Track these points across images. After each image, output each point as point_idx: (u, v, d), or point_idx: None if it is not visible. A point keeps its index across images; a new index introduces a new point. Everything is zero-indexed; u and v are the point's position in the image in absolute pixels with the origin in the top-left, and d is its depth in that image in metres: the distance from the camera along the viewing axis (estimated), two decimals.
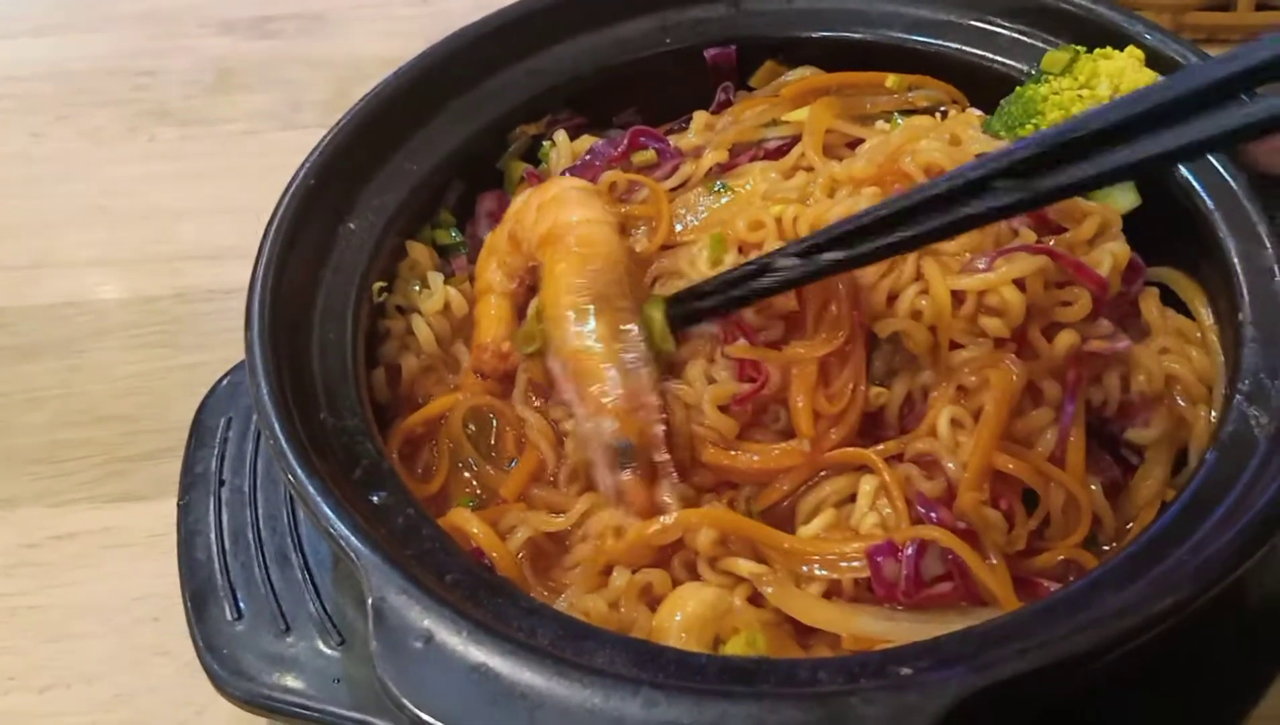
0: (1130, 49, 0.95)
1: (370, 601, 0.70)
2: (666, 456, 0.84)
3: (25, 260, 1.36)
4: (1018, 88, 0.97)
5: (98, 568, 1.07)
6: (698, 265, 0.91)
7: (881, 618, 0.78)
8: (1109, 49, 0.96)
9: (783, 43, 1.11)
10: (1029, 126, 0.92)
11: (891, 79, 1.06)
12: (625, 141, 1.06)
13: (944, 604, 0.79)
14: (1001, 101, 0.98)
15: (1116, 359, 0.86)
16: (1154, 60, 0.96)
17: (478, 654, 0.67)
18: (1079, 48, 0.96)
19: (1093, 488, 0.85)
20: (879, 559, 0.79)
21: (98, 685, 0.99)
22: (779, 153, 1.03)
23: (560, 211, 0.94)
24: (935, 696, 0.63)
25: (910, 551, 0.79)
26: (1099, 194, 0.93)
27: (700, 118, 1.09)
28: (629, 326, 0.88)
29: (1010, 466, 0.81)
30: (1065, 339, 0.83)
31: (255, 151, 1.49)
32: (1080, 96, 0.92)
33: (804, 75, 1.09)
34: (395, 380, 0.92)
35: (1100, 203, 0.91)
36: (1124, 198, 0.94)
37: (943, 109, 1.04)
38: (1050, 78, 0.95)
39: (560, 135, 1.10)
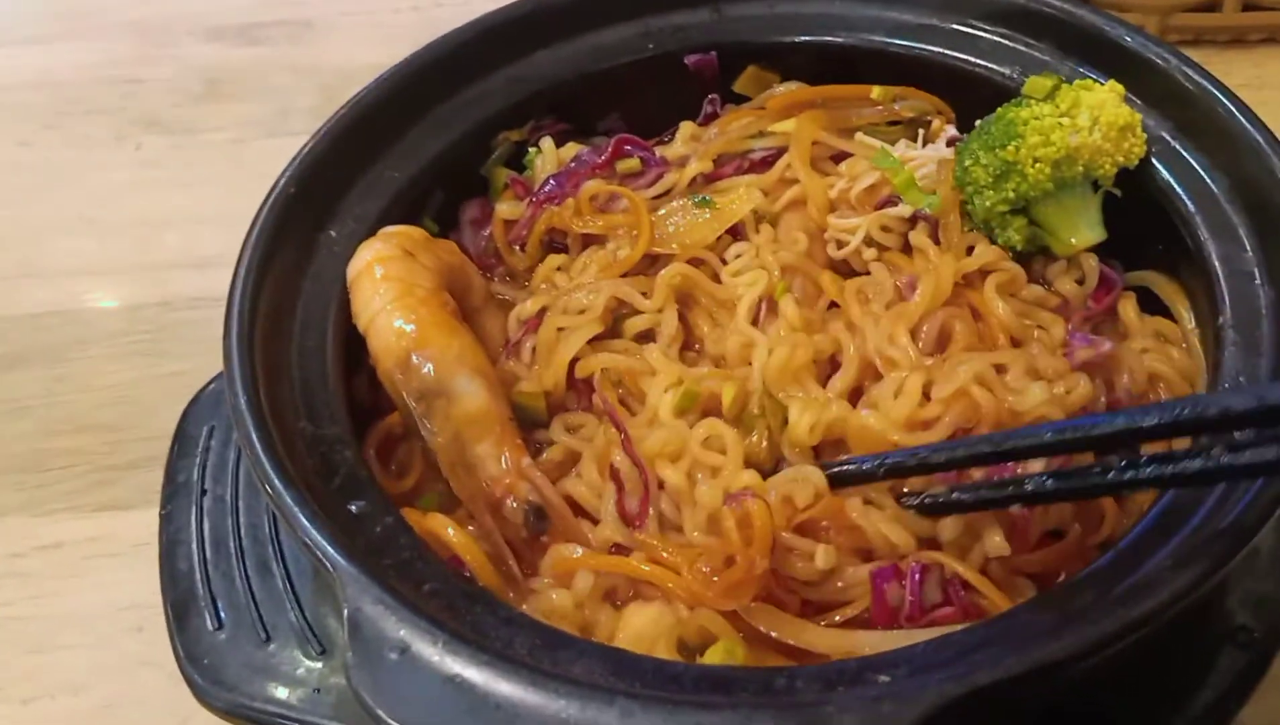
0: (1111, 83, 0.95)
1: (346, 612, 0.70)
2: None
3: (11, 269, 1.36)
4: (999, 108, 0.97)
5: (83, 578, 1.07)
6: (660, 411, 0.88)
7: (871, 632, 0.78)
8: (1090, 80, 0.96)
9: (765, 48, 1.10)
10: (1009, 148, 0.92)
11: (876, 90, 1.05)
12: (609, 149, 1.06)
13: (945, 624, 0.78)
14: (979, 121, 0.98)
15: (1104, 360, 0.86)
16: (1134, 63, 0.97)
17: (453, 665, 0.67)
18: (1060, 76, 0.97)
19: None
20: (882, 583, 0.79)
21: (82, 696, 1.00)
22: (764, 164, 1.03)
23: (361, 316, 0.92)
24: (911, 704, 0.63)
25: (916, 573, 0.79)
26: (1068, 224, 0.94)
27: (686, 128, 1.09)
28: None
29: None
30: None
31: (243, 160, 1.49)
32: (1061, 124, 0.92)
33: (790, 89, 1.09)
34: (376, 384, 0.91)
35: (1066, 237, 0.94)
36: (1091, 231, 0.95)
37: (927, 119, 1.04)
38: (1032, 102, 0.95)
39: (546, 143, 1.09)
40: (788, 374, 0.87)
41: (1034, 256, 0.95)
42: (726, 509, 0.80)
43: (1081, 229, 0.94)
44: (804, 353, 0.88)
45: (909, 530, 0.80)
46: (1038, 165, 0.92)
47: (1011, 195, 0.92)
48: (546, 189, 1.05)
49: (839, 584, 0.81)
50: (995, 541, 0.80)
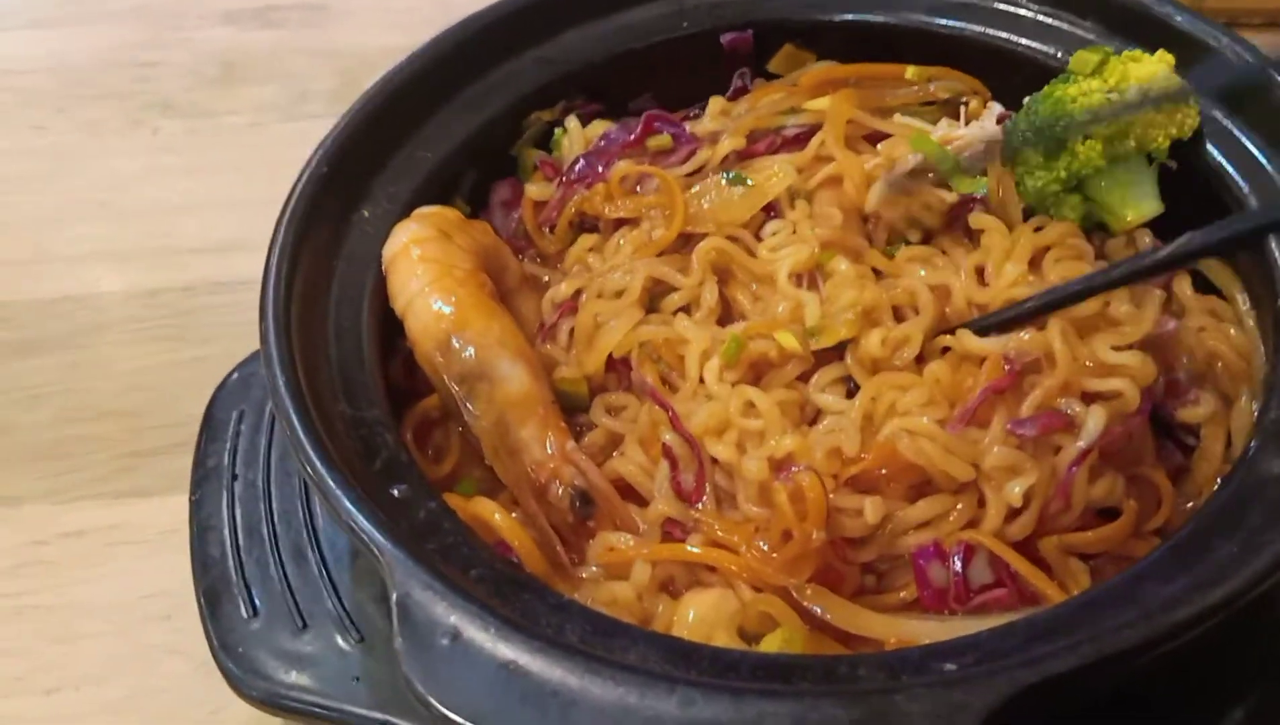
0: (1160, 53, 0.93)
1: (394, 597, 0.68)
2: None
3: (26, 254, 1.34)
4: (1045, 87, 0.95)
5: (106, 565, 1.05)
6: (707, 376, 0.86)
7: (928, 619, 0.77)
8: (1138, 51, 0.94)
9: (802, 26, 1.08)
10: (1058, 128, 0.90)
11: (911, 70, 1.04)
12: (639, 127, 1.04)
13: (1000, 609, 0.77)
14: (1026, 100, 0.96)
15: (1165, 339, 0.84)
16: (1183, 42, 0.95)
17: (506, 651, 0.65)
18: (1108, 49, 0.95)
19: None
20: (923, 562, 0.78)
21: (107, 686, 0.97)
22: (797, 141, 1.01)
23: (398, 298, 0.91)
24: (983, 693, 0.61)
25: (958, 556, 0.77)
26: (1124, 199, 0.92)
27: (716, 103, 1.07)
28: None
29: None
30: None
31: (259, 143, 1.47)
32: (1109, 99, 0.90)
33: (822, 67, 1.07)
34: (412, 366, 0.90)
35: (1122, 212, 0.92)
36: (1147, 205, 0.93)
37: (964, 100, 1.02)
38: (1079, 78, 0.93)
39: (572, 122, 1.07)
40: (859, 316, 0.85)
41: (1090, 233, 0.93)
42: (779, 483, 0.78)
43: (1138, 203, 0.92)
44: (873, 294, 0.86)
45: (963, 458, 0.79)
46: (1089, 142, 0.90)
47: (1064, 174, 0.90)
48: (577, 169, 1.03)
49: (890, 535, 0.80)
50: (1014, 493, 0.78)
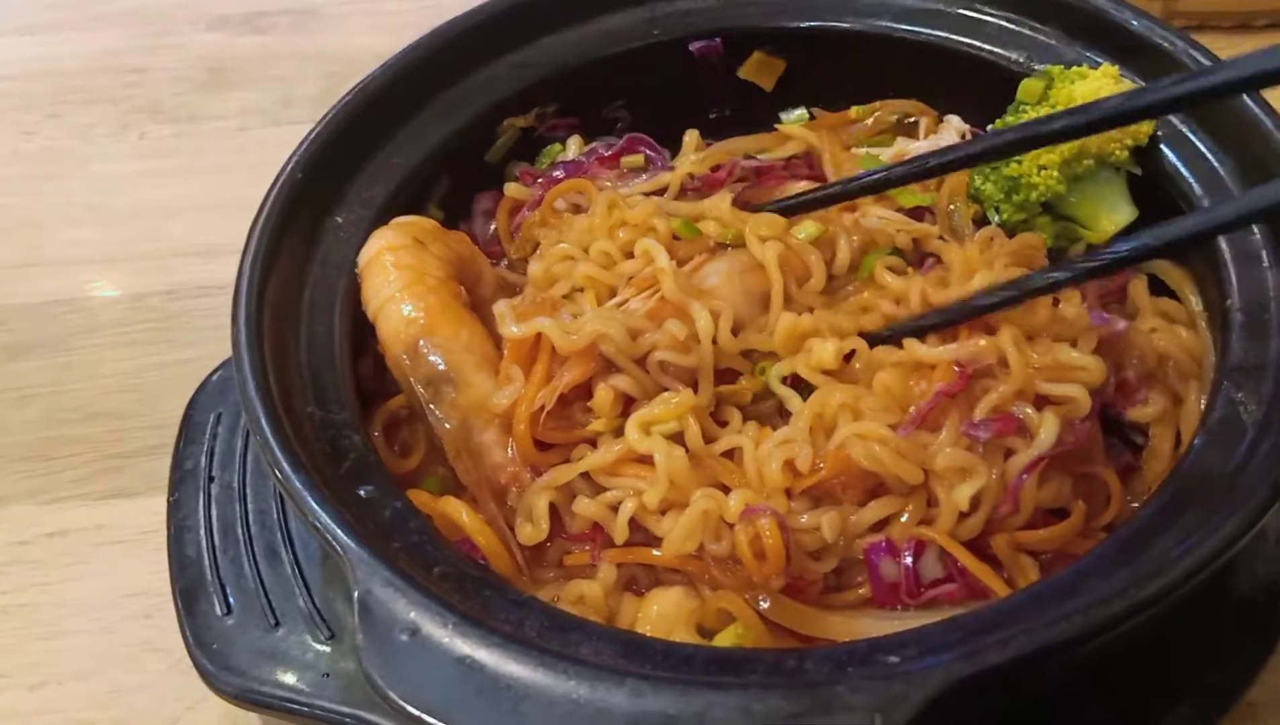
0: (1104, 67, 0.95)
1: (356, 594, 0.70)
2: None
3: (16, 258, 1.36)
4: (997, 121, 0.97)
5: (89, 565, 1.07)
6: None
7: (884, 618, 0.79)
8: (1083, 68, 0.96)
9: (771, 34, 1.10)
10: (1013, 164, 0.92)
11: (854, 110, 1.08)
12: (621, 143, 1.06)
13: (951, 603, 0.79)
14: (987, 128, 0.99)
15: (1115, 340, 0.86)
16: (1140, 47, 0.96)
17: (463, 646, 0.67)
18: (1053, 71, 0.97)
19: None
20: (875, 558, 0.79)
21: (90, 682, 1.00)
22: (758, 173, 1.03)
23: (371, 303, 0.93)
24: (921, 684, 0.63)
25: (909, 552, 0.79)
26: (1096, 211, 0.94)
27: (692, 138, 1.09)
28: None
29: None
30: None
31: (247, 148, 1.49)
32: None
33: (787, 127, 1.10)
34: (382, 368, 0.92)
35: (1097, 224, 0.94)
36: (1120, 212, 0.95)
37: (910, 119, 1.05)
38: (1028, 108, 0.95)
39: (573, 140, 1.10)
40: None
41: (1067, 248, 0.96)
42: (740, 527, 0.80)
43: (1111, 212, 0.94)
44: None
45: (914, 461, 0.80)
46: (1044, 172, 0.92)
47: (1025, 205, 0.93)
48: (555, 176, 1.05)
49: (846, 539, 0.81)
50: (963, 497, 0.80)
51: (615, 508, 0.83)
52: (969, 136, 1.04)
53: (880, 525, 0.81)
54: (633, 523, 0.83)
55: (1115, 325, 0.86)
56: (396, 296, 0.90)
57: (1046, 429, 0.80)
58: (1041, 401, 0.82)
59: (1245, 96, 0.90)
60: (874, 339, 0.86)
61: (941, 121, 1.08)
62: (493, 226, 1.07)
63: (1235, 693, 0.81)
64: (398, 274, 0.91)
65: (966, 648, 0.65)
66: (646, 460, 0.83)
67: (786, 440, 0.82)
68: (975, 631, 0.67)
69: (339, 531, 0.73)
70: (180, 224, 1.38)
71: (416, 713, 0.65)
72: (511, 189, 1.06)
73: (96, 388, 1.22)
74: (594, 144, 1.09)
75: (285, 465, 0.76)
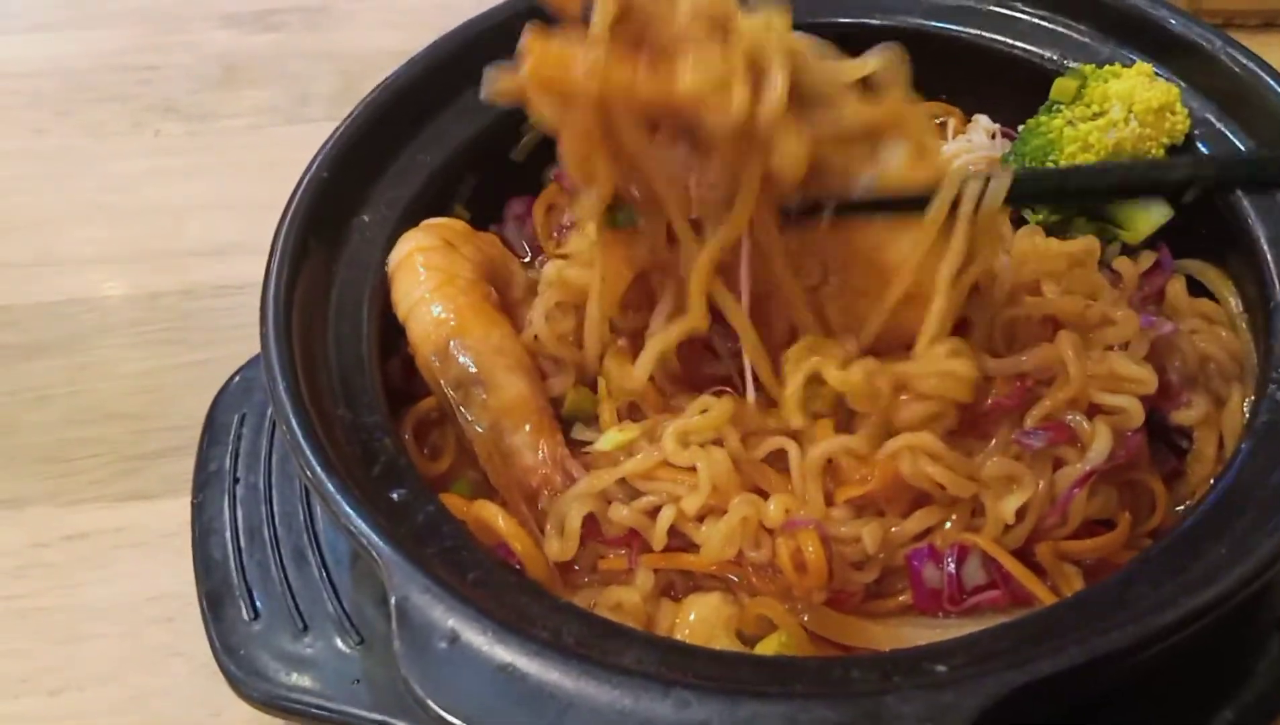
0: (1138, 65, 0.94)
1: (393, 601, 0.69)
2: None
3: (29, 257, 1.35)
4: (1030, 120, 0.96)
5: (109, 568, 1.06)
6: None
7: (926, 626, 0.78)
8: (1117, 66, 0.95)
9: (798, 29, 1.09)
10: (1049, 163, 0.91)
11: None
12: None
13: (994, 610, 0.78)
14: (1020, 128, 0.98)
15: (1160, 343, 0.85)
16: (1177, 45, 0.95)
17: (504, 654, 0.66)
18: (1086, 70, 0.96)
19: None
20: (917, 564, 0.78)
21: (110, 688, 0.98)
22: None
23: (401, 305, 0.92)
24: (972, 694, 0.62)
25: (951, 557, 0.78)
26: (1135, 209, 0.92)
27: None
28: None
29: None
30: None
31: (260, 146, 1.47)
32: (1096, 125, 0.91)
33: None
34: (410, 370, 0.91)
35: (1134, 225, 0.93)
36: (1158, 211, 0.94)
37: (938, 120, 1.04)
38: (1062, 107, 0.94)
39: None
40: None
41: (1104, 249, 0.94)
42: (781, 539, 0.79)
43: (1147, 213, 0.93)
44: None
45: (963, 473, 0.79)
46: None
47: (1062, 207, 0.92)
48: None
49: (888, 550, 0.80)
50: (1008, 510, 0.79)
51: (652, 513, 0.82)
52: (998, 137, 1.03)
53: (923, 534, 0.80)
54: (670, 528, 0.81)
55: (1163, 327, 0.85)
56: (427, 298, 0.89)
57: (1100, 442, 0.79)
58: (1093, 410, 0.80)
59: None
60: None
61: (969, 121, 1.07)
62: (528, 229, 1.06)
63: (1278, 702, 0.80)
64: (428, 275, 0.90)
65: (1018, 656, 0.65)
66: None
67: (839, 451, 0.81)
68: (1025, 640, 0.66)
69: (374, 536, 0.72)
70: (194, 223, 1.37)
71: (456, 721, 0.64)
72: (545, 199, 1.05)
73: (113, 388, 1.20)
74: None
75: (318, 469, 0.75)
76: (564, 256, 0.92)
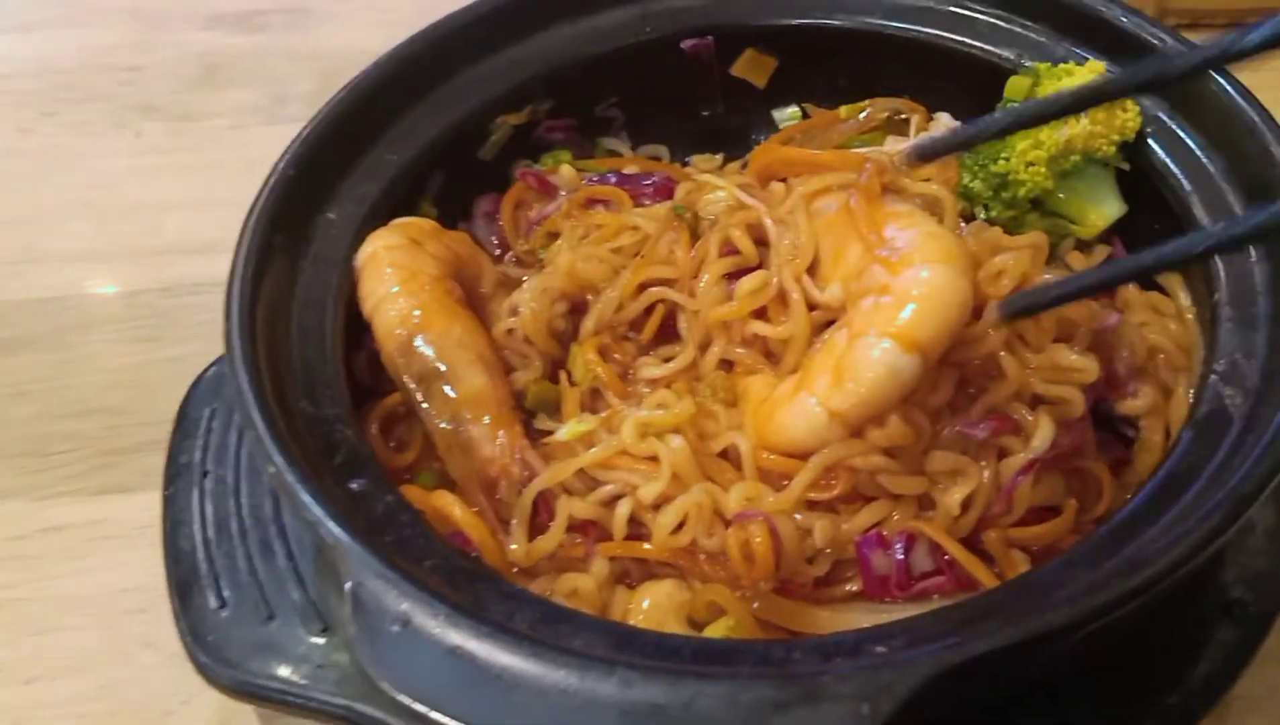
0: (1090, 63, 0.96)
1: (348, 587, 0.70)
2: None
3: (12, 254, 1.36)
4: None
5: (85, 560, 1.07)
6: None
7: (873, 611, 0.79)
8: (1070, 65, 0.97)
9: (762, 31, 1.11)
10: (999, 161, 0.93)
11: (843, 110, 1.09)
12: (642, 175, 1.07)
13: (940, 595, 0.79)
14: None
15: (1106, 334, 0.86)
16: (1129, 43, 0.97)
17: (454, 637, 0.67)
18: (1041, 68, 0.97)
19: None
20: (867, 550, 0.80)
21: (85, 677, 0.99)
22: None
23: (367, 301, 0.94)
24: (908, 674, 0.64)
25: (900, 544, 0.79)
26: (1084, 207, 0.94)
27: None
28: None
29: None
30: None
31: (241, 145, 1.48)
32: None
33: (764, 146, 1.08)
34: (377, 366, 0.92)
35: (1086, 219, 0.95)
36: (1109, 207, 0.95)
37: (901, 116, 1.05)
38: (1015, 105, 0.96)
39: (565, 169, 1.10)
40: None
41: (1057, 244, 0.96)
42: (732, 530, 0.80)
43: (1100, 208, 0.95)
44: None
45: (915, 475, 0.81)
46: (1032, 169, 0.93)
47: (1014, 202, 0.93)
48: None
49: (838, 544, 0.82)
50: (954, 500, 0.80)
51: (609, 504, 0.83)
52: None
53: (872, 528, 0.82)
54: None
55: (1107, 319, 0.86)
56: (391, 294, 0.91)
57: (1042, 432, 0.80)
58: (1036, 401, 0.82)
59: (1230, 89, 0.91)
60: None
61: (932, 119, 1.08)
62: (496, 226, 1.08)
63: (1222, 687, 0.82)
64: (393, 272, 0.92)
65: (954, 638, 0.66)
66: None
67: None
68: (962, 622, 0.68)
69: (331, 524, 0.73)
70: (175, 221, 1.38)
71: (407, 701, 0.66)
72: (514, 196, 1.07)
73: (92, 384, 1.22)
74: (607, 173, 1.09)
75: (278, 459, 0.77)
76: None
